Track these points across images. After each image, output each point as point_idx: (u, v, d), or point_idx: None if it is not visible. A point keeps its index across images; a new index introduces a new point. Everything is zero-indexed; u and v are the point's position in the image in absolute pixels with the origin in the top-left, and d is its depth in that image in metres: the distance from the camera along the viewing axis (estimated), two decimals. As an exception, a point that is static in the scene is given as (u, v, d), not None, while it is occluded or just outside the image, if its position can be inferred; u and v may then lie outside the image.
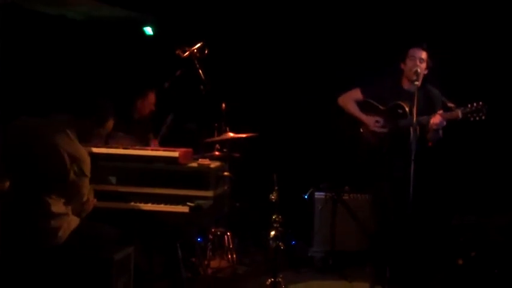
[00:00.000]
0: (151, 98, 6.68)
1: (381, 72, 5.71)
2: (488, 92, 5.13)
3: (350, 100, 5.59)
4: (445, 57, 5.69)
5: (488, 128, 5.41)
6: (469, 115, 4.83)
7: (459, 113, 4.88)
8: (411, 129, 4.94)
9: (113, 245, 4.32)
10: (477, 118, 4.81)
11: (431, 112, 5.06)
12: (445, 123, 4.98)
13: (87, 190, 4.27)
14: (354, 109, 5.55)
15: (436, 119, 4.97)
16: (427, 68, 5.27)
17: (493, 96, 4.96)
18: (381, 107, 5.43)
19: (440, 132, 5.12)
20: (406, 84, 5.37)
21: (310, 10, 7.10)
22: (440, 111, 5.02)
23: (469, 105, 4.84)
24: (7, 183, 3.93)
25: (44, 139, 4.12)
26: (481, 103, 4.79)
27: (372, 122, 5.45)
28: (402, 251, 5.15)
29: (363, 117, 5.50)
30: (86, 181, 4.24)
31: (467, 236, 5.89)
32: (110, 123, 4.47)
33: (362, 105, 5.56)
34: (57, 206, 4.09)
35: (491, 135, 6.24)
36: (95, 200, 4.44)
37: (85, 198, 4.28)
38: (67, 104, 4.32)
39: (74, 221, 4.19)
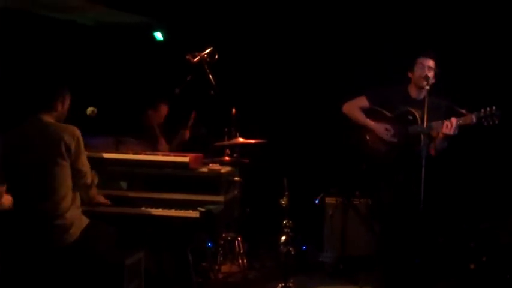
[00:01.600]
0: (163, 110, 6.72)
1: (388, 80, 5.68)
2: (495, 97, 5.09)
3: (355, 108, 5.50)
4: (451, 65, 5.68)
5: (498, 132, 5.39)
6: (483, 119, 4.79)
7: (473, 117, 4.83)
8: (422, 136, 4.92)
9: (116, 247, 4.34)
10: (491, 123, 4.76)
11: (440, 119, 5.01)
12: (457, 130, 4.92)
13: (86, 168, 4.28)
14: (360, 117, 5.45)
15: (451, 123, 4.91)
16: (435, 76, 5.24)
17: (500, 100, 4.92)
18: (388, 114, 5.38)
19: (446, 142, 5.08)
20: (413, 92, 5.33)
21: (319, 18, 7.11)
22: (454, 117, 4.95)
23: (483, 110, 4.79)
24: (4, 188, 3.94)
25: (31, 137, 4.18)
26: (494, 108, 4.73)
27: (382, 130, 5.36)
28: (411, 255, 5.12)
29: (372, 124, 5.40)
30: (83, 158, 4.25)
31: (478, 241, 5.87)
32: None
33: (368, 113, 5.49)
34: (67, 197, 4.12)
35: (501, 140, 6.22)
36: (105, 200, 4.47)
37: (88, 180, 4.29)
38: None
39: (84, 220, 4.22)
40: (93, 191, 4.40)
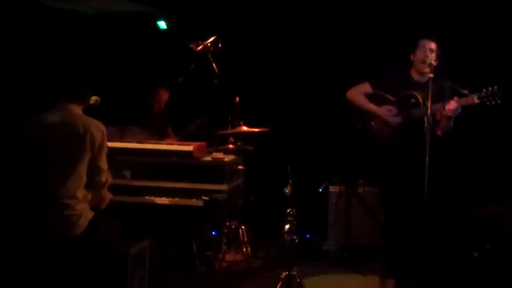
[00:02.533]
0: (163, 94, 6.72)
1: (391, 64, 5.68)
2: (499, 81, 5.08)
3: (359, 93, 5.52)
4: (454, 47, 5.66)
5: (501, 121, 5.39)
6: (484, 99, 4.76)
7: (475, 98, 4.82)
8: (425, 119, 4.90)
9: (122, 237, 4.35)
10: (493, 102, 4.73)
11: (442, 102, 5.00)
12: (460, 109, 4.91)
13: (105, 166, 4.27)
14: (364, 102, 5.47)
15: (451, 105, 4.88)
16: (437, 58, 5.23)
17: (505, 84, 4.91)
18: (391, 98, 5.38)
19: (452, 122, 5.07)
20: (416, 76, 5.33)
21: (321, 5, 7.08)
22: (456, 97, 4.95)
23: (484, 90, 4.77)
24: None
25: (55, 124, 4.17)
26: (496, 87, 4.72)
27: (385, 111, 5.37)
28: (415, 243, 5.12)
29: (374, 108, 5.42)
30: (104, 155, 4.25)
31: (482, 229, 5.87)
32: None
33: (371, 98, 5.49)
34: (80, 190, 4.13)
35: (504, 128, 6.21)
36: (111, 194, 4.47)
37: (103, 178, 4.28)
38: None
39: (90, 213, 4.22)
40: (105, 191, 4.35)
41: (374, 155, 5.50)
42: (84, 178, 4.17)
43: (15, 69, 6.21)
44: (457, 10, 6.44)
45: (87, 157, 4.13)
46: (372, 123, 5.47)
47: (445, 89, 5.15)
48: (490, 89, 4.74)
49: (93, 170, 4.20)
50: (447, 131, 5.12)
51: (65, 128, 4.14)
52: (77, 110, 4.26)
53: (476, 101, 4.81)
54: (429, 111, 4.81)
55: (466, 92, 4.96)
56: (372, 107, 5.41)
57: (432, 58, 5.13)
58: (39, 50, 6.53)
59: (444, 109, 4.92)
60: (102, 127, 4.23)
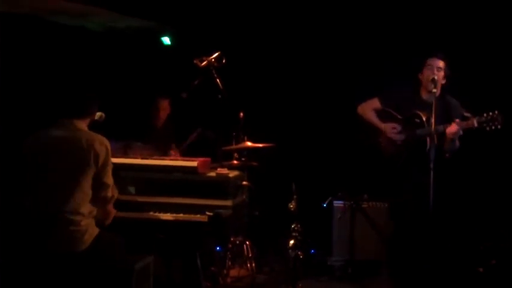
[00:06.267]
0: (163, 105, 6.74)
1: (400, 82, 5.70)
2: (508, 101, 5.08)
3: (368, 109, 5.61)
4: (463, 67, 5.67)
5: (508, 136, 5.38)
6: (484, 124, 4.78)
7: (474, 122, 4.84)
8: (428, 139, 4.93)
9: (125, 253, 4.35)
10: (493, 127, 4.74)
11: (448, 122, 5.02)
12: (461, 132, 4.93)
13: (110, 181, 4.27)
14: (372, 117, 5.57)
15: (452, 128, 4.93)
16: (445, 77, 5.25)
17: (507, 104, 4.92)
18: (398, 116, 5.43)
19: (457, 142, 5.07)
20: (424, 94, 5.37)
21: (329, 21, 7.10)
22: (457, 120, 4.97)
23: (485, 114, 4.78)
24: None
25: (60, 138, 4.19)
26: (496, 112, 4.72)
27: (389, 129, 5.45)
28: (421, 258, 5.12)
29: (381, 124, 5.51)
30: (109, 170, 4.26)
31: (487, 244, 5.85)
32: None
33: (380, 115, 5.56)
34: (85, 205, 4.13)
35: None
36: (115, 210, 4.47)
37: (109, 193, 4.28)
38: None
39: (95, 229, 4.22)
40: (111, 207, 4.36)
41: (383, 171, 5.54)
42: (89, 193, 4.17)
43: (20, 85, 6.24)
44: (467, 29, 6.44)
45: (91, 172, 4.14)
46: (380, 139, 5.52)
47: (452, 109, 5.18)
48: (490, 113, 4.75)
49: (99, 186, 4.21)
50: (453, 151, 5.14)
51: (69, 143, 4.15)
52: (81, 125, 4.26)
53: (476, 125, 4.82)
54: (433, 127, 4.84)
55: (468, 114, 4.98)
56: (379, 123, 5.49)
57: (440, 76, 5.16)
58: (44, 66, 6.56)
59: (445, 131, 4.95)
60: (106, 142, 4.23)
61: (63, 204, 4.06)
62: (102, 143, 4.20)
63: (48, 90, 6.21)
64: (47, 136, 4.22)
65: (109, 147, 4.24)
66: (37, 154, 4.17)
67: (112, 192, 4.31)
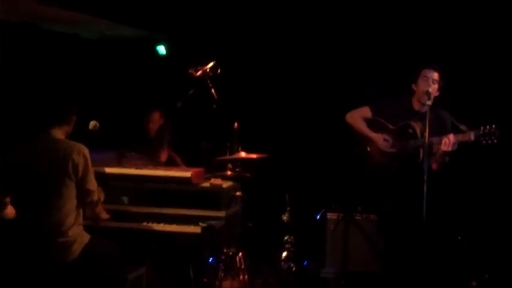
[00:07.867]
0: (155, 116, 6.75)
1: (391, 92, 5.69)
2: (500, 116, 5.07)
3: (358, 117, 5.55)
4: (456, 79, 5.67)
5: (500, 150, 5.37)
6: (481, 138, 4.75)
7: (471, 135, 4.81)
8: (421, 151, 4.91)
9: (118, 262, 4.33)
10: (489, 142, 4.72)
11: (440, 134, 4.98)
12: (456, 146, 4.89)
13: (94, 187, 4.25)
14: (362, 126, 5.50)
15: (448, 141, 4.88)
16: (439, 89, 5.23)
17: (505, 119, 4.90)
18: (390, 126, 5.39)
19: (447, 157, 5.06)
20: (416, 105, 5.34)
21: (322, 31, 7.11)
22: (452, 134, 4.93)
23: (482, 128, 4.74)
24: (8, 199, 3.93)
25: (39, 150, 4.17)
26: (494, 126, 4.70)
27: (381, 140, 5.40)
28: (413, 271, 5.10)
29: (372, 134, 5.45)
30: (91, 177, 4.23)
31: (480, 258, 5.85)
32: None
33: (370, 124, 5.51)
34: (71, 215, 4.10)
35: (503, 158, 6.20)
36: (108, 215, 4.44)
37: (95, 197, 4.26)
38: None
39: (85, 236, 4.21)
40: (99, 208, 4.35)
41: (371, 181, 5.50)
42: (74, 202, 4.16)
43: (13, 93, 6.22)
44: (461, 40, 6.45)
45: (71, 182, 4.11)
46: (368, 148, 5.48)
47: (444, 121, 5.15)
48: (487, 127, 4.72)
49: (83, 193, 4.20)
50: (442, 164, 5.11)
51: (46, 154, 4.14)
52: (58, 134, 4.22)
53: (473, 138, 4.80)
54: (427, 140, 4.82)
55: (463, 127, 4.96)
56: (370, 133, 5.43)
57: (434, 89, 5.13)
58: (37, 74, 6.53)
59: (440, 143, 4.91)
60: (85, 150, 4.19)
61: (49, 217, 4.05)
62: (79, 152, 4.15)
63: (31, 99, 6.19)
64: (26, 148, 4.21)
65: (87, 155, 4.19)
66: (17, 170, 4.15)
67: (98, 195, 4.30)
